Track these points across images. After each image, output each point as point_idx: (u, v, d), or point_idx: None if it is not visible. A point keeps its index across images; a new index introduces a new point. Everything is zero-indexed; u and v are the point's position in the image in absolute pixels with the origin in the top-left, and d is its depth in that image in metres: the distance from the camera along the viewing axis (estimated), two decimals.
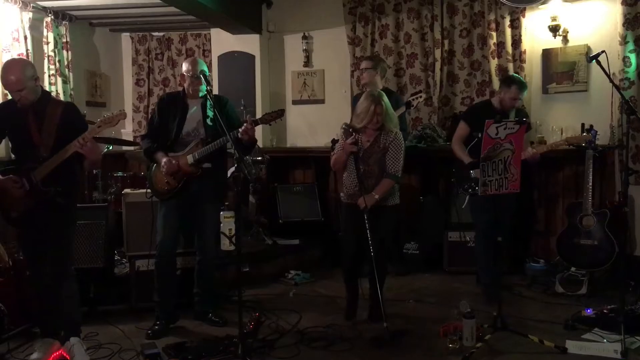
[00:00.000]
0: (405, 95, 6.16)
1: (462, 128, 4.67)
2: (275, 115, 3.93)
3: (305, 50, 6.59)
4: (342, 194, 4.13)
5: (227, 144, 3.92)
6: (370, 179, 3.94)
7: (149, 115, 7.08)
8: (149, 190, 4.17)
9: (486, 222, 4.39)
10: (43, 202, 3.38)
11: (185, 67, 4.05)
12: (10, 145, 3.63)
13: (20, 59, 4.91)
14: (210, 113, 3.99)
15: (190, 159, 3.94)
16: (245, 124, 3.81)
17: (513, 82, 4.51)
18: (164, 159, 3.94)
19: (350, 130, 3.96)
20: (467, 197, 4.58)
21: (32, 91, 3.37)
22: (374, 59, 5.53)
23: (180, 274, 4.32)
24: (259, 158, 5.73)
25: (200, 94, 4.00)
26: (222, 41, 6.67)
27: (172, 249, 4.10)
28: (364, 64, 5.29)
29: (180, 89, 4.26)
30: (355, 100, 5.37)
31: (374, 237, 3.78)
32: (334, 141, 5.47)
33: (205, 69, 4.06)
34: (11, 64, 3.46)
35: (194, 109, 4.05)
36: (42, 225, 3.41)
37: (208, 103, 3.97)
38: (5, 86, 3.38)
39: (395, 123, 4.07)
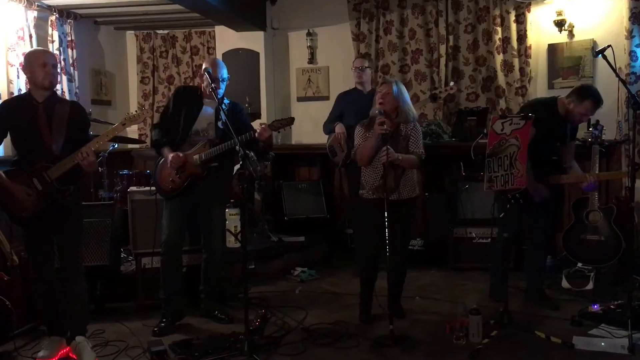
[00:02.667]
0: (410, 90, 6.17)
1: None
2: (285, 123, 3.87)
3: (310, 47, 6.59)
4: (363, 192, 3.98)
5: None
6: (397, 168, 3.80)
7: (153, 108, 7.12)
8: (153, 188, 4.17)
9: (517, 229, 4.25)
10: (54, 202, 3.38)
11: (205, 66, 3.99)
12: (12, 143, 3.54)
13: None
14: (223, 117, 3.90)
15: (196, 159, 3.92)
16: (261, 127, 3.76)
17: (588, 97, 3.97)
18: (172, 154, 3.91)
19: (365, 124, 3.91)
20: (508, 207, 4.10)
21: (58, 76, 3.57)
22: (369, 58, 5.55)
23: (187, 271, 4.33)
24: None
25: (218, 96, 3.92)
26: (227, 38, 6.67)
27: (178, 247, 4.10)
28: (361, 63, 5.29)
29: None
30: (341, 99, 5.35)
31: (399, 231, 3.73)
32: None
33: (225, 72, 3.99)
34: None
35: (208, 110, 4.03)
36: (52, 225, 3.42)
37: (223, 107, 3.91)
38: (44, 56, 3.41)
39: (413, 115, 3.96)
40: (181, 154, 3.91)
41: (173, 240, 4.02)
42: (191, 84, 6.84)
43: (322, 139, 6.40)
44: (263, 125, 3.77)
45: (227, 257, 4.40)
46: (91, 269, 4.24)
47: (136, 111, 3.57)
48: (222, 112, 3.86)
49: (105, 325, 4.03)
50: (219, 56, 6.68)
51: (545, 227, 4.31)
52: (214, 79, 3.84)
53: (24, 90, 5.06)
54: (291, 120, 3.89)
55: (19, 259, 3.93)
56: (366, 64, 5.30)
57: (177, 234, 4.04)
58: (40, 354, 3.49)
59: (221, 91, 3.95)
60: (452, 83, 5.43)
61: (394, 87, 3.86)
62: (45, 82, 3.35)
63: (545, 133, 3.94)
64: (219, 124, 3.99)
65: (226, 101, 4.06)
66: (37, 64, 3.34)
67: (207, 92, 3.98)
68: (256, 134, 3.75)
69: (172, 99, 4.12)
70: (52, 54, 3.56)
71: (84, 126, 3.53)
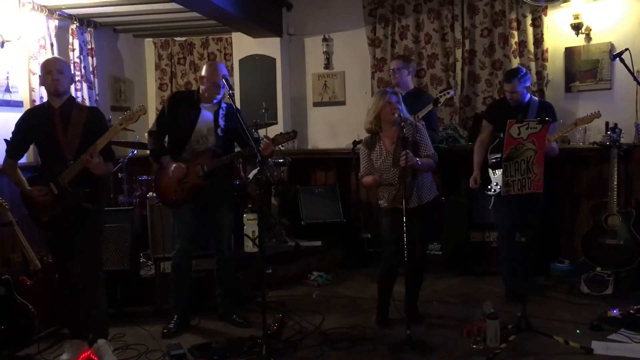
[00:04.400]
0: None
1: (486, 127, 4.71)
2: (288, 137, 3.89)
3: (326, 52, 6.62)
4: (381, 202, 3.99)
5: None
6: (409, 174, 3.81)
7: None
8: (157, 202, 4.19)
9: (509, 224, 4.36)
10: (73, 207, 3.45)
11: (204, 71, 4.02)
12: (37, 150, 3.69)
13: None
14: (222, 123, 3.95)
15: (199, 170, 3.93)
16: (264, 140, 3.79)
17: (503, 79, 4.58)
18: (173, 165, 3.92)
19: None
20: (493, 198, 4.52)
21: (66, 82, 3.50)
22: (405, 58, 5.47)
23: (205, 275, 4.38)
24: (281, 160, 5.77)
25: (216, 100, 3.98)
26: (243, 45, 6.73)
27: (189, 255, 4.15)
28: (394, 64, 5.25)
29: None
30: None
31: (417, 236, 3.78)
32: (355, 143, 5.49)
33: (226, 73, 4.01)
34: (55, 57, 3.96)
35: (207, 115, 4.03)
36: (72, 229, 3.48)
37: (221, 112, 3.94)
38: (50, 63, 3.52)
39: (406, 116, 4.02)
40: (183, 165, 3.91)
41: (185, 249, 4.07)
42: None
43: (338, 143, 6.44)
44: (266, 141, 3.79)
45: (245, 261, 4.44)
46: (111, 273, 4.31)
47: (130, 110, 3.59)
48: (220, 117, 3.90)
49: (125, 329, 4.08)
50: (235, 63, 6.75)
51: (534, 223, 4.35)
52: (230, 85, 3.89)
53: (45, 99, 5.15)
54: (294, 135, 3.92)
55: (42, 263, 3.99)
56: (399, 65, 5.20)
57: (188, 243, 4.09)
58: (63, 357, 3.55)
59: (219, 96, 4.02)
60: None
61: (399, 97, 3.92)
62: (51, 88, 3.47)
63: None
64: (219, 130, 3.99)
65: (223, 105, 4.08)
66: (44, 72, 3.50)
67: (206, 96, 4.01)
68: (259, 149, 3.75)
69: (167, 103, 4.10)
70: (59, 61, 3.60)
71: (101, 131, 3.57)
